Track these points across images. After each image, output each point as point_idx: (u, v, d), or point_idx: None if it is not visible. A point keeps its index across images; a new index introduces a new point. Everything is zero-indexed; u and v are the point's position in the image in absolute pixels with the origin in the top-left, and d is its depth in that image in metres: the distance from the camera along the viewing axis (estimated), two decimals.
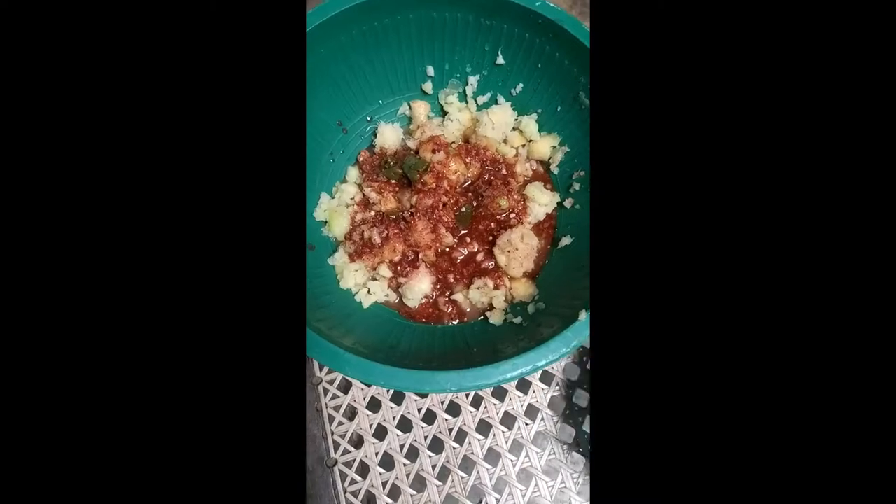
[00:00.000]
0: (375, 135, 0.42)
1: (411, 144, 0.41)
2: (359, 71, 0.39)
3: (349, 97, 0.40)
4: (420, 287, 0.38)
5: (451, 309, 0.39)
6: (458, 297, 0.39)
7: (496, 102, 0.42)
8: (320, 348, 0.28)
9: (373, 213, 0.40)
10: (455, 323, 0.39)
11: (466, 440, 0.39)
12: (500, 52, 0.38)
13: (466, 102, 0.43)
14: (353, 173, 0.42)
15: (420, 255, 0.39)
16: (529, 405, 0.39)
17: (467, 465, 0.38)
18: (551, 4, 0.34)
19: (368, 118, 0.43)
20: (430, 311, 0.39)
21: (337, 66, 0.38)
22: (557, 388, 0.40)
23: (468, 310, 0.39)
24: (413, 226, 0.38)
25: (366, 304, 0.38)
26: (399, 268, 0.39)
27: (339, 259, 0.39)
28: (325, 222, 0.40)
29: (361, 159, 0.42)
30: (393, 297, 0.39)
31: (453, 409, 0.39)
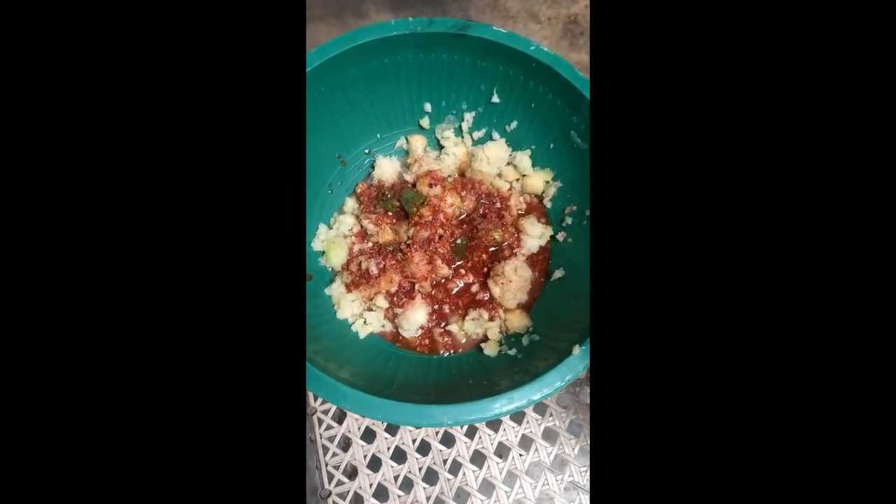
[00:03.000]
0: (374, 167, 0.43)
1: (408, 178, 0.42)
2: (358, 107, 0.40)
3: (348, 131, 0.42)
4: (416, 317, 0.39)
5: (446, 339, 0.39)
6: (454, 327, 0.39)
7: (491, 138, 0.43)
8: (318, 381, 0.29)
9: (370, 244, 0.41)
10: (450, 354, 0.39)
11: (461, 471, 0.39)
12: (495, 92, 0.40)
13: (462, 138, 0.44)
14: (350, 204, 0.43)
15: (416, 286, 0.40)
16: (523, 436, 0.40)
17: (462, 496, 0.38)
18: (545, 49, 0.35)
19: (367, 151, 0.44)
20: (426, 341, 0.39)
21: (337, 103, 0.39)
22: (551, 418, 0.40)
23: (463, 340, 0.39)
24: (410, 257, 0.39)
25: (362, 335, 0.39)
26: (395, 298, 0.40)
27: (337, 289, 0.39)
28: (323, 253, 0.41)
29: (359, 191, 0.43)
30: (389, 328, 0.40)
31: (448, 440, 0.40)
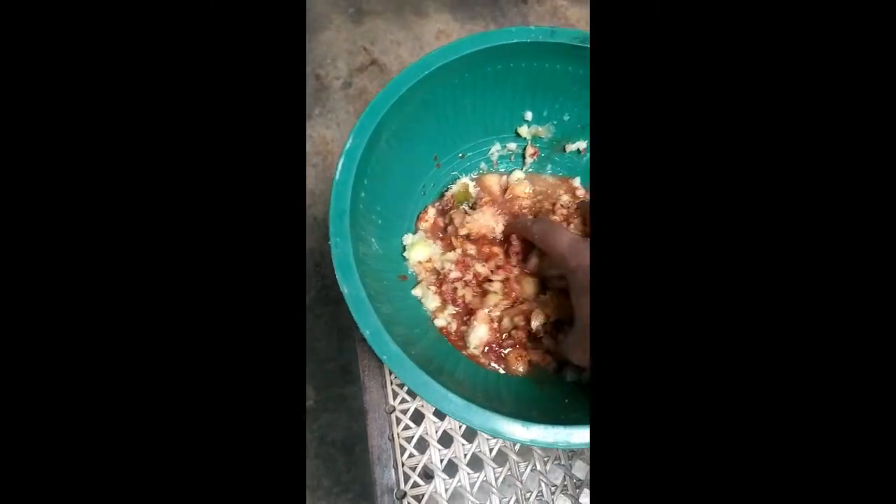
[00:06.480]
0: (453, 184, 0.43)
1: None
2: (462, 111, 0.40)
3: (448, 134, 0.41)
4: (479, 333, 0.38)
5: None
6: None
7: (579, 152, 0.43)
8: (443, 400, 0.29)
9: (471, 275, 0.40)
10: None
11: (538, 482, 0.38)
12: None
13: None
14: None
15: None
16: None
17: None
18: None
19: (461, 154, 0.44)
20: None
21: (445, 106, 0.39)
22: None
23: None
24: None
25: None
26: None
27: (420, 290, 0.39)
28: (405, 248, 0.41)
29: (426, 227, 0.42)
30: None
31: (525, 453, 0.39)
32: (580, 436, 0.28)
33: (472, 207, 0.42)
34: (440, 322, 0.38)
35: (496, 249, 0.39)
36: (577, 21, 1.24)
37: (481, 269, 0.38)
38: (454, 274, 0.38)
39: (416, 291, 0.39)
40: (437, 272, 0.39)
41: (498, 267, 0.38)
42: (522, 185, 0.42)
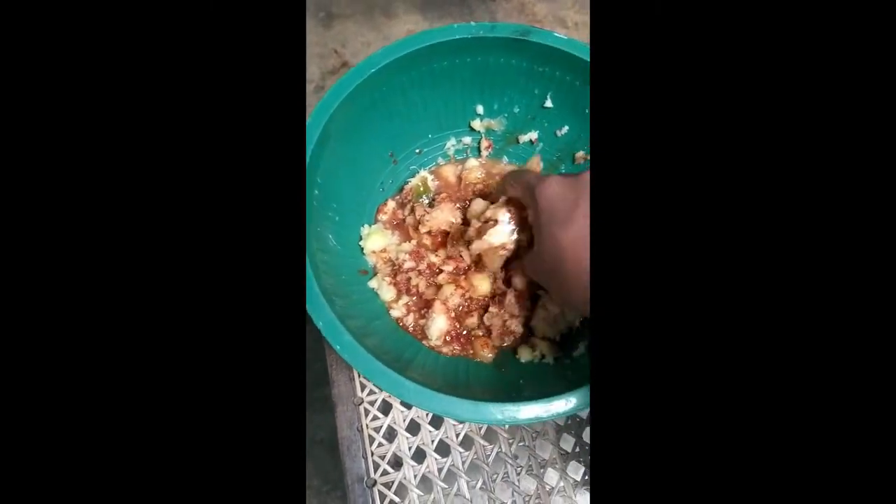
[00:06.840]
0: (412, 177, 0.44)
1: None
2: (413, 108, 0.41)
3: (402, 131, 0.42)
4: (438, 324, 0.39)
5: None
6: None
7: (531, 142, 0.44)
8: (390, 380, 0.30)
9: (425, 264, 0.41)
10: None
11: (504, 465, 0.40)
12: (549, 97, 0.41)
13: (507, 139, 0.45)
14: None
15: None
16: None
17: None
18: None
19: (418, 150, 0.45)
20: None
21: (395, 103, 0.40)
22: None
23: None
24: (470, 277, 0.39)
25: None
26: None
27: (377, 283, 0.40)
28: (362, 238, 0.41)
29: (385, 218, 0.43)
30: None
31: (490, 437, 0.41)
32: (528, 411, 0.29)
33: (431, 205, 0.42)
34: (395, 313, 0.39)
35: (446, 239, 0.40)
36: (544, 17, 1.25)
37: (434, 259, 0.39)
38: (408, 264, 0.39)
39: (373, 283, 0.40)
40: (392, 262, 0.40)
41: (448, 257, 0.39)
42: (476, 172, 0.43)
